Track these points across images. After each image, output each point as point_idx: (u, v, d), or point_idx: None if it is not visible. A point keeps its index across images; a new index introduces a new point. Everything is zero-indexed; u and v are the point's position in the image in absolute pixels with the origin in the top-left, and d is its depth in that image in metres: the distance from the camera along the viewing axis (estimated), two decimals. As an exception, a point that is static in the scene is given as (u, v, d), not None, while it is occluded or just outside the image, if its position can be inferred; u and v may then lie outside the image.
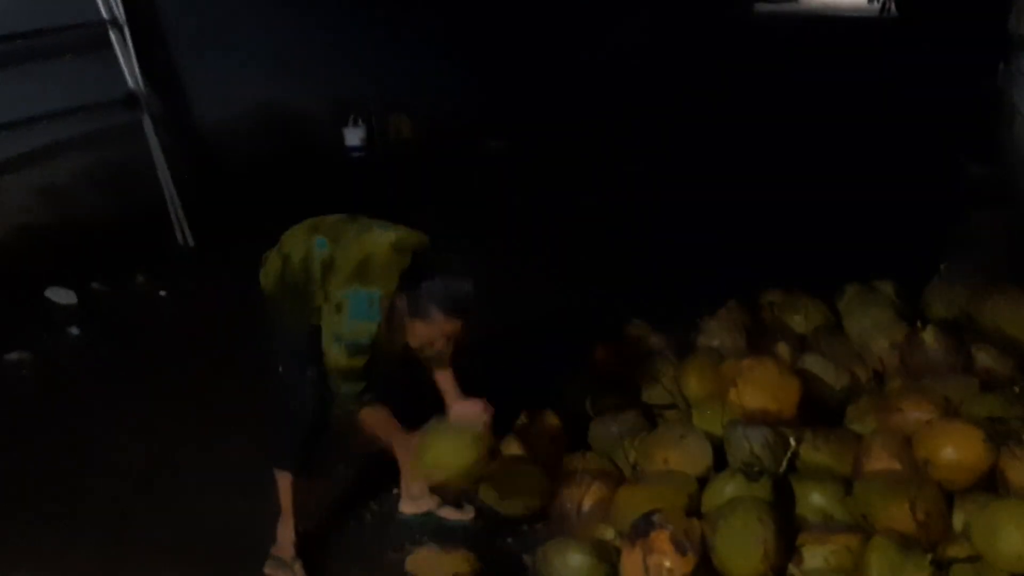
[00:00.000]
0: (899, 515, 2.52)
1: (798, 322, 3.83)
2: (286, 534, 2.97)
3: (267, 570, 2.94)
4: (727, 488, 2.71)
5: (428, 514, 3.19)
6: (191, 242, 5.66)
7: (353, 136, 7.30)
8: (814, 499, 2.74)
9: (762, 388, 3.02)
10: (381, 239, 2.66)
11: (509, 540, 3.11)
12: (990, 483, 2.61)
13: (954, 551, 2.44)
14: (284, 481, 2.94)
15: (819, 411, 3.17)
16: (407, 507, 3.22)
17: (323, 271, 2.66)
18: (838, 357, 3.39)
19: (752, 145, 7.50)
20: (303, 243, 2.73)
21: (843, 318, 3.74)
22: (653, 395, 3.46)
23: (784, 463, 2.86)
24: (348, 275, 2.61)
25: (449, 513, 3.18)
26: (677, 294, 4.50)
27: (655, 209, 6.15)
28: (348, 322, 2.58)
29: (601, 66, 10.02)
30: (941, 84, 7.97)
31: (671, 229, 5.77)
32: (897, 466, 2.70)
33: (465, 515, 3.19)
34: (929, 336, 3.18)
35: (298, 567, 2.91)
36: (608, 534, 2.80)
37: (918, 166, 6.48)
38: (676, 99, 8.96)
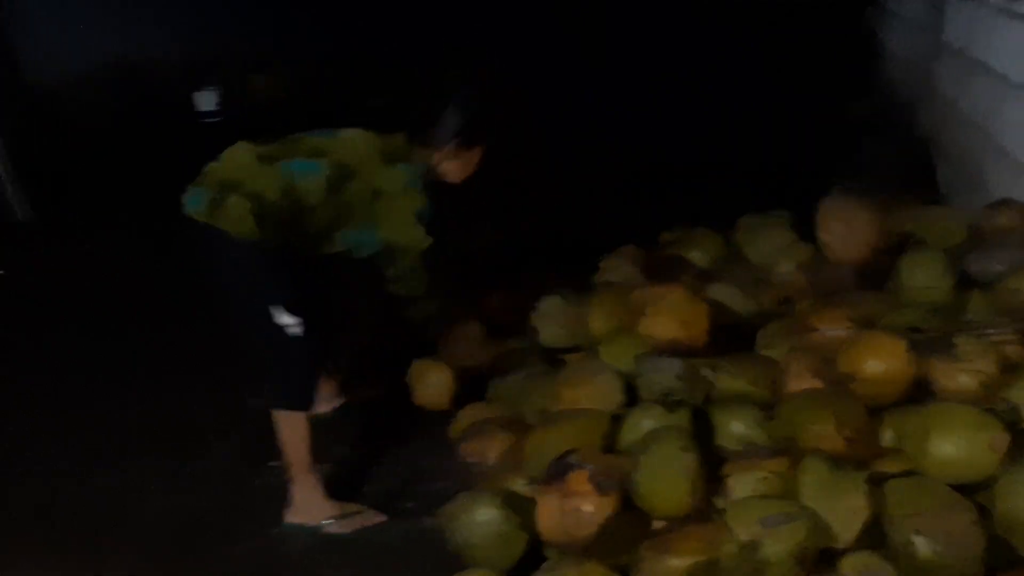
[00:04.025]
0: (826, 434, 2.34)
1: (698, 256, 3.68)
2: (316, 496, 2.72)
3: (330, 530, 2.70)
4: (644, 421, 2.49)
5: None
6: (29, 215, 5.10)
7: (207, 100, 6.77)
8: (734, 427, 2.55)
9: (672, 316, 2.82)
10: (374, 136, 2.75)
11: (409, 504, 2.83)
12: (915, 397, 2.47)
13: (887, 466, 2.29)
14: (298, 423, 2.68)
15: (729, 340, 2.99)
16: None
17: (332, 186, 2.61)
18: (743, 284, 3.23)
19: (635, 104, 7.34)
20: (270, 176, 2.58)
21: (743, 247, 3.61)
22: (555, 338, 3.23)
23: (700, 396, 2.67)
24: (382, 163, 2.68)
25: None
26: (572, 241, 4.30)
27: (544, 158, 5.90)
28: (413, 197, 2.67)
29: (492, 17, 9.57)
30: (811, 32, 7.98)
31: (562, 176, 5.54)
32: (819, 385, 2.54)
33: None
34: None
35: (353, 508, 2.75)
36: (519, 484, 2.54)
37: (797, 111, 6.45)
38: (556, 49, 8.68)
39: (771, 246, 3.39)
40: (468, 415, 2.99)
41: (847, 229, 3.11)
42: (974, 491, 2.19)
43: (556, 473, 2.28)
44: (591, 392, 2.71)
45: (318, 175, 2.62)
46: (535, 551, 2.39)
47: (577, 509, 2.22)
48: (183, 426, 3.29)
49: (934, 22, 4.83)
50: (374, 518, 2.75)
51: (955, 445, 2.18)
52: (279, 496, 2.82)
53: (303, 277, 2.71)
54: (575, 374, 2.82)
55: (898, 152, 4.75)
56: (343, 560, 2.62)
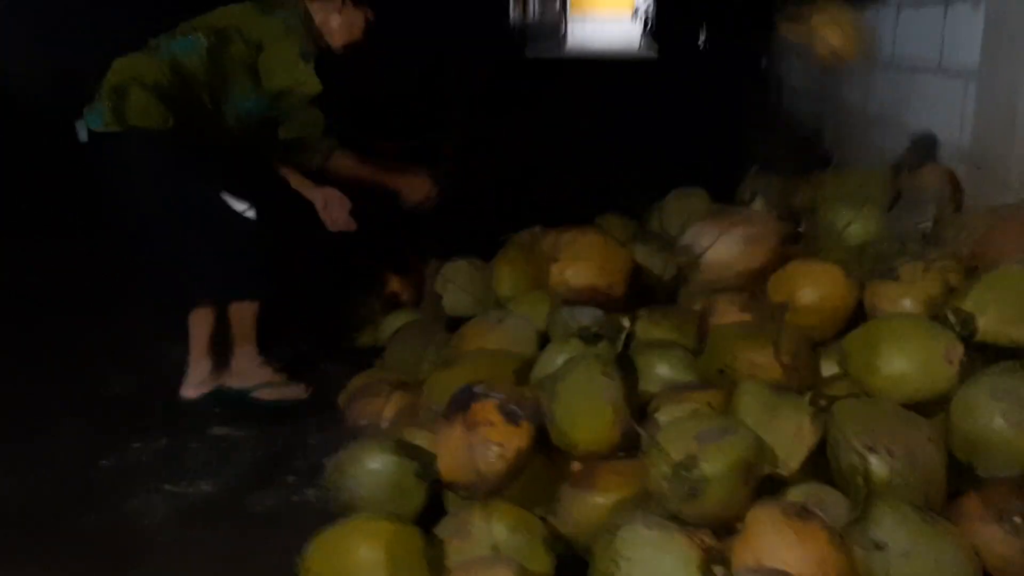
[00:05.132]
0: (763, 360, 2.08)
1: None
2: (254, 364, 2.81)
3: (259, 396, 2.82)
4: (560, 356, 2.19)
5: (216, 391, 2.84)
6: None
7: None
8: (661, 370, 2.27)
9: (588, 261, 2.57)
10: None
11: (291, 478, 2.46)
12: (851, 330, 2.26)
13: (832, 390, 2.04)
14: (250, 304, 2.76)
15: (649, 302, 2.75)
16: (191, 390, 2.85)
17: (213, 53, 2.62)
18: (661, 247, 3.01)
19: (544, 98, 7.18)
20: (155, 63, 2.60)
21: (662, 221, 3.39)
22: (460, 304, 2.92)
23: (619, 343, 2.39)
24: (258, 15, 2.69)
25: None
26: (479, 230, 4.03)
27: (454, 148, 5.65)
28: (294, 40, 2.68)
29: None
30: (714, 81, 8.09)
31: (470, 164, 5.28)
32: (748, 318, 2.30)
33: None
34: (758, 206, 2.87)
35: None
36: (418, 437, 2.19)
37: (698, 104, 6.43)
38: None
39: (690, 211, 3.17)
40: (358, 382, 2.64)
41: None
42: (928, 412, 1.96)
43: (459, 404, 1.96)
44: (500, 338, 2.42)
45: (198, 46, 2.64)
46: (436, 505, 2.04)
47: (484, 442, 1.89)
48: (27, 408, 2.84)
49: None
50: (296, 392, 2.85)
51: (908, 358, 1.96)
52: (136, 471, 2.47)
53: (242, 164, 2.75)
54: (481, 323, 2.52)
55: (799, 139, 4.73)
56: (209, 527, 2.22)
